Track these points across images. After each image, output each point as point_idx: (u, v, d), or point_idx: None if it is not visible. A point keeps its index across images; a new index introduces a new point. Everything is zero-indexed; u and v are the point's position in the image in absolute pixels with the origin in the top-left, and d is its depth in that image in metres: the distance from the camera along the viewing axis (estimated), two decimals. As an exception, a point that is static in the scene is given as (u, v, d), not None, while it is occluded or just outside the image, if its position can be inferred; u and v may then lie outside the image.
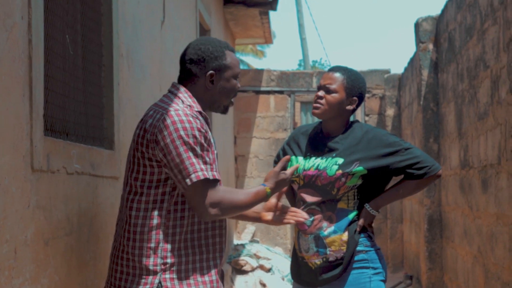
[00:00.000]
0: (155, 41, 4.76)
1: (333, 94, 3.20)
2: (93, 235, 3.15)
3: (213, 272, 2.63)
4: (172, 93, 2.72)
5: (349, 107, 3.23)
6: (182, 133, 2.52)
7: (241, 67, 26.81)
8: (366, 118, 10.93)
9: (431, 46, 7.07)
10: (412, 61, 8.81)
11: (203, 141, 2.55)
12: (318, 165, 3.20)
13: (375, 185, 3.23)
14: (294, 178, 3.25)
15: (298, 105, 12.23)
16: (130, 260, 2.59)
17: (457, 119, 6.01)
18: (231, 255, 9.47)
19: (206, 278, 2.61)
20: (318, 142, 3.28)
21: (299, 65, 29.98)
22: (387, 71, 11.03)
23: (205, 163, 2.53)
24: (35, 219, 2.46)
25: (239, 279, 8.98)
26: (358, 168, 3.13)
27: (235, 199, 2.61)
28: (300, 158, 3.28)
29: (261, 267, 9.27)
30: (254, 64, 26.39)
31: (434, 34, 7.10)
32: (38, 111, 2.49)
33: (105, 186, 3.38)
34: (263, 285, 8.92)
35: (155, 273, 2.55)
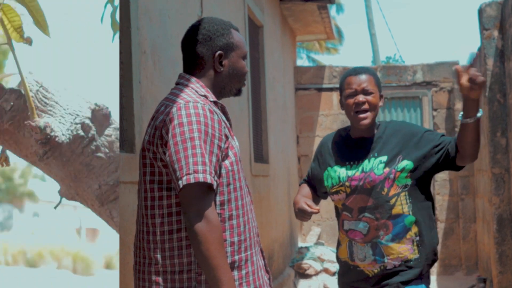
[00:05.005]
0: (190, 37, 4.51)
1: (373, 95, 3.06)
2: (107, 245, 2.91)
3: (251, 278, 2.39)
4: (182, 84, 2.47)
5: (381, 104, 3.11)
6: (185, 128, 2.26)
7: (313, 65, 26.39)
8: (434, 113, 10.40)
9: (496, 33, 6.58)
10: (479, 51, 8.30)
11: (213, 137, 2.28)
12: (363, 168, 3.06)
13: (423, 183, 3.06)
14: (338, 188, 3.10)
15: (362, 101, 11.82)
16: (160, 273, 2.34)
17: (524, 110, 5.54)
18: (294, 258, 9.19)
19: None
20: (351, 148, 3.13)
21: (372, 61, 29.31)
22: (456, 63, 10.47)
23: (203, 163, 2.24)
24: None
25: (302, 283, 8.69)
26: (403, 162, 3.00)
27: (213, 238, 2.23)
28: (339, 168, 3.11)
29: (326, 270, 8.96)
30: (328, 62, 25.94)
31: (499, 20, 6.61)
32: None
33: (123, 192, 3.14)
34: (327, 289, 8.58)
35: (189, 283, 2.31)
